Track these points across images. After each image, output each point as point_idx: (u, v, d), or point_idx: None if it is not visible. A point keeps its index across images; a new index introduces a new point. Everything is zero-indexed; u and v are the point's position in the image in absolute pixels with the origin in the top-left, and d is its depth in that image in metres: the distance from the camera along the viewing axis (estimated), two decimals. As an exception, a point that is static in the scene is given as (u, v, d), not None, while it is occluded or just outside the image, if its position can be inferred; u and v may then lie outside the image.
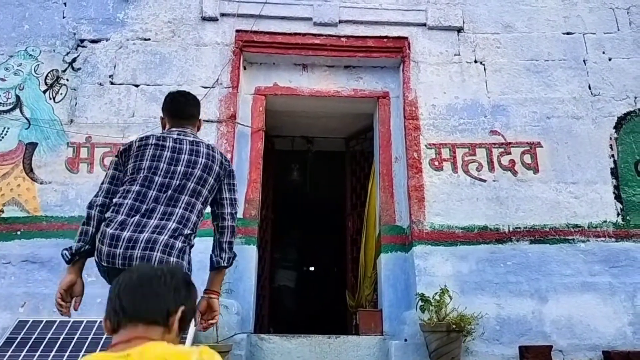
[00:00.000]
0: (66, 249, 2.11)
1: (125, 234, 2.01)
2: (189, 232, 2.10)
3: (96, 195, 2.21)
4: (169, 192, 2.14)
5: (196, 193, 2.19)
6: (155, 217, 2.08)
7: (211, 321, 2.21)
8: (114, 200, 2.15)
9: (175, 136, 2.32)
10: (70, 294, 2.09)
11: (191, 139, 2.33)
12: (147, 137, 2.30)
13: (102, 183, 2.26)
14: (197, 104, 2.53)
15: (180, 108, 2.44)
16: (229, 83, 4.52)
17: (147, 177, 2.17)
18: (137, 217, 2.06)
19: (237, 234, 2.51)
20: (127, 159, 2.26)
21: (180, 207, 2.13)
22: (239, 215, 4.04)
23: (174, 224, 2.07)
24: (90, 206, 2.18)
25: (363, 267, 4.85)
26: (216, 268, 2.25)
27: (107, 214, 2.11)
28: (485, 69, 4.66)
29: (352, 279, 5.25)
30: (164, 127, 2.46)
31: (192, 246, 2.14)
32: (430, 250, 4.05)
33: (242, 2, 4.76)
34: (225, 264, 2.25)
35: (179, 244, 2.03)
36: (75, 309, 2.13)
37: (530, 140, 4.41)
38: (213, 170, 2.27)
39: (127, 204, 2.10)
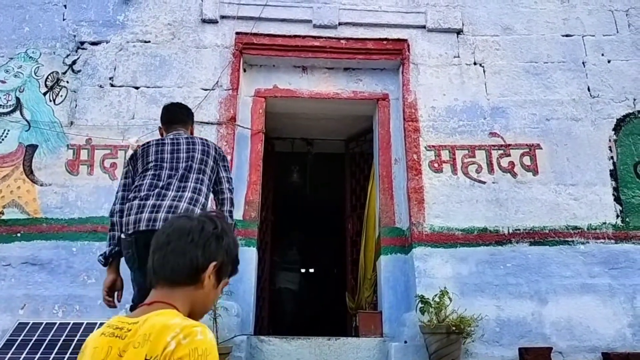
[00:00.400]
0: (100, 255, 2.53)
1: (150, 202, 2.39)
2: (202, 199, 2.52)
3: (114, 204, 2.59)
4: (180, 171, 2.55)
5: (201, 171, 2.61)
6: (173, 189, 2.48)
7: None
8: (134, 185, 2.55)
9: (171, 137, 2.73)
10: (113, 289, 2.48)
11: (185, 136, 2.75)
12: (148, 142, 2.72)
13: (117, 192, 2.65)
14: (189, 110, 2.99)
15: (173, 114, 2.89)
16: (228, 85, 4.53)
17: (157, 165, 2.58)
18: (157, 189, 2.46)
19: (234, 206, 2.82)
20: (135, 162, 2.67)
21: (192, 181, 2.54)
22: (239, 217, 4.11)
23: (190, 193, 2.48)
24: (111, 214, 2.58)
25: (363, 269, 4.84)
26: None
27: (130, 196, 2.49)
28: (484, 71, 4.67)
29: (352, 280, 5.24)
30: (161, 136, 2.83)
31: None
32: (430, 252, 4.05)
33: (242, 4, 4.77)
34: None
35: (196, 209, 2.43)
36: (119, 300, 2.52)
37: (530, 142, 4.42)
38: (210, 154, 2.68)
39: (146, 182, 2.50)
